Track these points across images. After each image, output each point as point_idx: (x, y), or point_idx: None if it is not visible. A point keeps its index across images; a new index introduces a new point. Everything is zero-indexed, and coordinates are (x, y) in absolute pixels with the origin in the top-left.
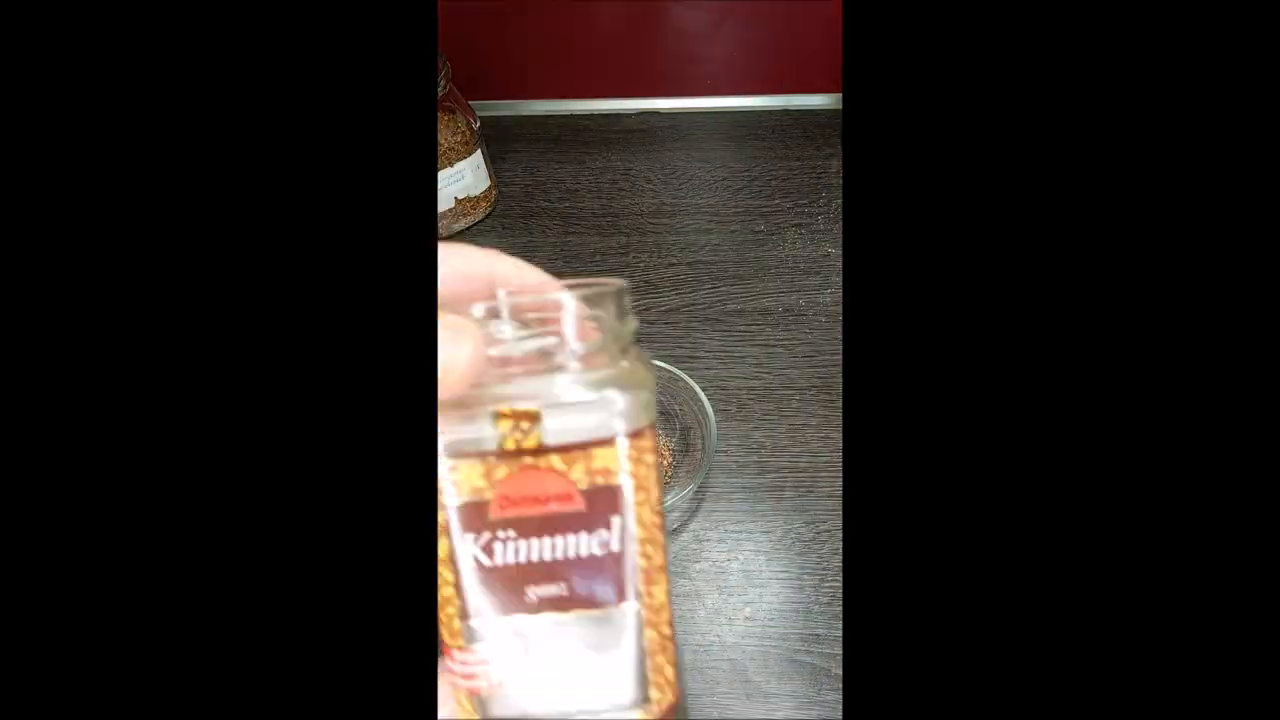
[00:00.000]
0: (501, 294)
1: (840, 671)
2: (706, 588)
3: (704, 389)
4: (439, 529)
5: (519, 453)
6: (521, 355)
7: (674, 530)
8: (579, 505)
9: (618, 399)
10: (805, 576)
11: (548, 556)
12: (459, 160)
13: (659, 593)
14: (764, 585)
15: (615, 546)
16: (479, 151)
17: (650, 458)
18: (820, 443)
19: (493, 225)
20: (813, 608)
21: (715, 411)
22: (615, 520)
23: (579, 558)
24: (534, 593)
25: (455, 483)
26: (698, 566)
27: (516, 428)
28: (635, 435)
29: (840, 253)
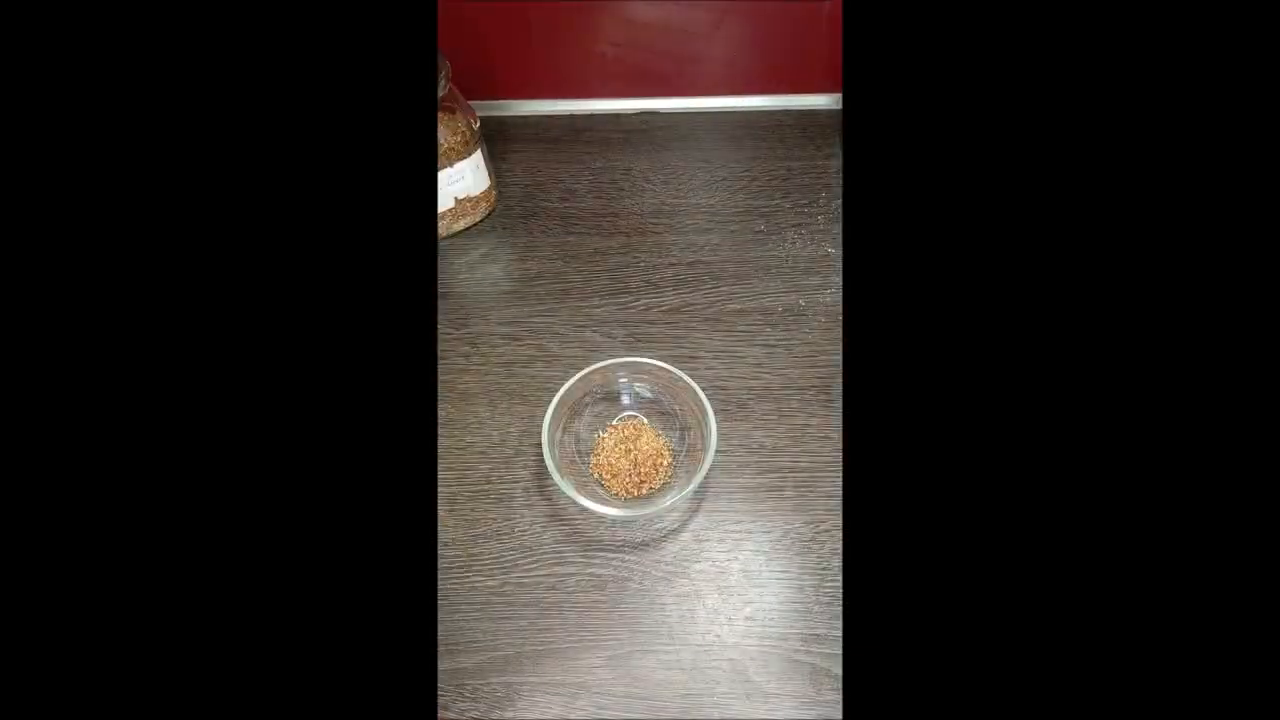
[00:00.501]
0: None
1: (840, 671)
2: (706, 588)
3: (704, 389)
4: None
5: None
6: None
7: (674, 530)
8: None
9: None
10: (805, 576)
11: None
12: (459, 160)
13: None
14: (764, 585)
15: None
16: (479, 151)
17: None
18: (820, 443)
19: (493, 225)
20: (813, 608)
21: (715, 411)
22: None
23: None
24: None
25: None
26: (698, 566)
27: None
28: None
29: (840, 253)
